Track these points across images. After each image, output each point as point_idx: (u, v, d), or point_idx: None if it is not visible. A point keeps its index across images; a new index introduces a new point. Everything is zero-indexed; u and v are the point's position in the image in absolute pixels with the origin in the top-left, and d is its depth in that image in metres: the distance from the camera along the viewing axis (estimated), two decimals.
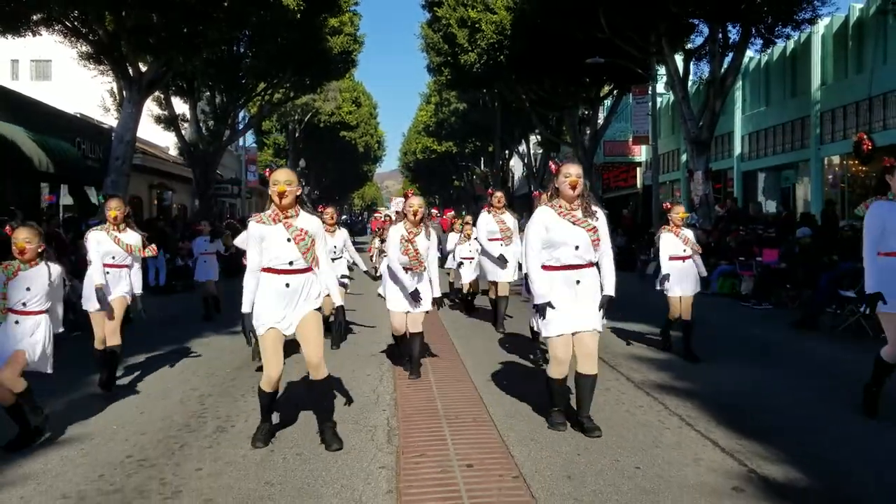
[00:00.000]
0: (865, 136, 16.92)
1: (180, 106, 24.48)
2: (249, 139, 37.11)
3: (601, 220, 4.65)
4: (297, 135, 39.87)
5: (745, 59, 21.87)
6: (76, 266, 9.43)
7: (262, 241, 4.36)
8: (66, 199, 19.34)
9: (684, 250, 7.14)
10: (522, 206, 29.59)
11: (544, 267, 4.62)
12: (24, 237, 4.65)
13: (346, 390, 5.81)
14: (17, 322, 4.63)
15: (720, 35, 18.00)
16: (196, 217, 21.44)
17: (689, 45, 19.97)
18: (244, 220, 9.35)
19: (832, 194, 19.06)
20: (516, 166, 46.64)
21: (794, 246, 11.78)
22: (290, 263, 4.34)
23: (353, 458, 4.24)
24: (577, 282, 4.56)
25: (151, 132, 25.88)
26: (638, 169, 31.87)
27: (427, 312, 6.49)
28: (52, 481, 3.93)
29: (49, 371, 4.80)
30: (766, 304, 11.53)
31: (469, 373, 6.61)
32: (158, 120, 24.35)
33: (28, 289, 4.63)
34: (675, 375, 6.45)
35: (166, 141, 29.64)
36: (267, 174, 4.54)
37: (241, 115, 27.48)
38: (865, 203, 5.10)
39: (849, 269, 8.99)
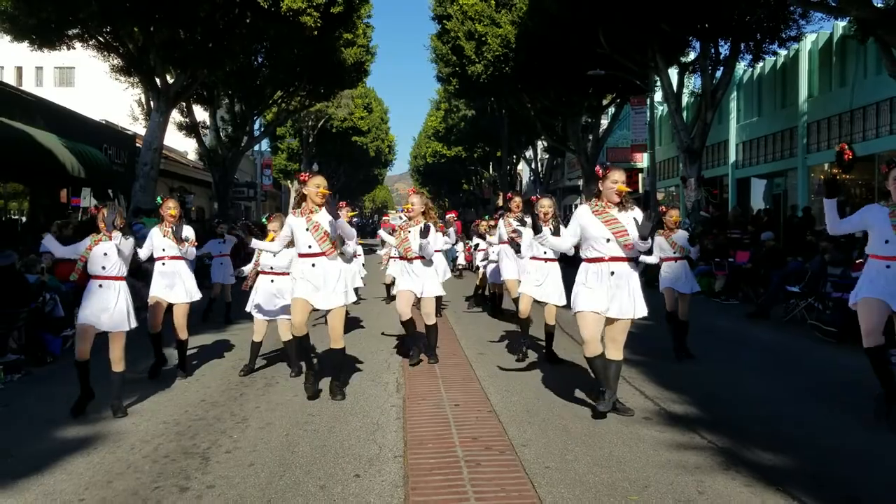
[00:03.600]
0: (846, 147, 18.05)
1: (200, 113, 25.64)
2: (264, 144, 38.36)
3: (628, 217, 4.98)
4: (310, 140, 40.99)
5: (739, 72, 22.90)
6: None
7: (293, 229, 5.71)
8: (84, 203, 20.52)
9: (673, 252, 7.52)
10: (526, 209, 30.57)
11: (585, 259, 5.08)
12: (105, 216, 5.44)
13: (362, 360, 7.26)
14: (100, 286, 5.37)
15: (712, 50, 19.07)
16: (213, 219, 22.68)
17: (684, 59, 21.07)
18: (260, 223, 9.82)
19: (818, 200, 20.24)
20: (524, 171, 47.76)
21: (762, 248, 13.08)
22: (309, 247, 5.65)
23: (372, 400, 5.69)
24: (612, 273, 4.94)
25: (170, 138, 27.08)
26: (640, 174, 33.01)
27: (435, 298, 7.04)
28: (150, 414, 5.37)
29: (134, 325, 5.41)
30: (734, 300, 12.85)
31: (463, 349, 8.04)
32: (181, 127, 25.34)
33: (105, 254, 5.38)
34: (632, 351, 7.74)
35: (185, 146, 30.96)
36: (302, 178, 5.78)
37: (257, 122, 28.62)
38: None
39: (796, 269, 10.30)
